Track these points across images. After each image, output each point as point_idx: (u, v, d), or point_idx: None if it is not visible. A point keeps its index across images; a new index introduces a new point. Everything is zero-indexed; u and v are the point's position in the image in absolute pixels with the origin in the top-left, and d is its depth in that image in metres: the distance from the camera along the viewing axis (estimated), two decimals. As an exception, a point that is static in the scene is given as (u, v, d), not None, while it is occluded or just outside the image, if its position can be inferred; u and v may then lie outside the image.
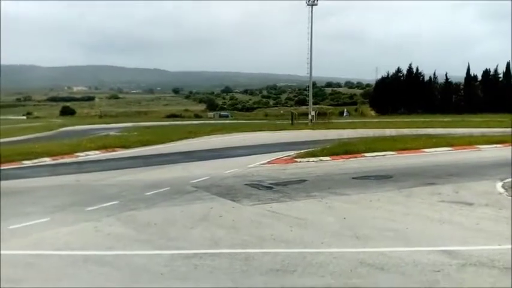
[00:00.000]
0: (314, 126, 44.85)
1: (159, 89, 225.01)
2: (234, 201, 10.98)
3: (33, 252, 7.43)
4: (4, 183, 14.95)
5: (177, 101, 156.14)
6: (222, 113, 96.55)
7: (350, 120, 58.01)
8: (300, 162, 17.91)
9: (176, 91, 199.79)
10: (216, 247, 7.42)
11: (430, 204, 10.23)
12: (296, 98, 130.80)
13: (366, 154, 19.01)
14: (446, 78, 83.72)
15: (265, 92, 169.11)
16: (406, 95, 77.21)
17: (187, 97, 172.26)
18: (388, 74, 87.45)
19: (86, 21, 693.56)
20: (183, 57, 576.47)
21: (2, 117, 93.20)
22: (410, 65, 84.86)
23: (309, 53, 53.62)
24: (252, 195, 11.64)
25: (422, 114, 63.63)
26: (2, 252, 7.41)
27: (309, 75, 55.52)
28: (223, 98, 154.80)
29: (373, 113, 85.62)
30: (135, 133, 36.46)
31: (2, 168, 18.31)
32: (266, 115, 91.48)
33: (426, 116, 58.75)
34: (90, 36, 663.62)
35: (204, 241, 7.79)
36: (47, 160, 20.59)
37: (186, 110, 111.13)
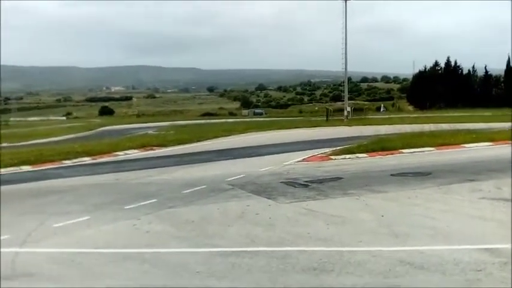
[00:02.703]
0: (350, 123, 44.36)
1: (194, 87, 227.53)
2: (270, 199, 10.98)
3: (74, 250, 7.65)
4: (46, 182, 15.48)
5: (212, 100, 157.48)
6: (256, 110, 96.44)
7: (387, 116, 57.20)
8: (336, 159, 17.75)
9: (211, 89, 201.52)
10: (253, 245, 7.45)
11: (471, 201, 9.96)
12: (331, 94, 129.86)
13: (404, 150, 18.65)
14: (486, 71, 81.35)
15: (299, 89, 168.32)
16: (444, 89, 75.40)
17: (221, 95, 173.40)
18: (425, 68, 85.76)
19: (123, 22, 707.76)
20: (218, 55, 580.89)
21: (43, 117, 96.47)
22: (448, 58, 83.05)
23: (344, 47, 53.14)
24: (287, 193, 11.62)
25: (462, 109, 61.98)
26: (46, 249, 7.68)
27: (344, 70, 55.02)
28: (257, 96, 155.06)
29: (410, 108, 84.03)
30: (172, 132, 37.00)
31: (43, 168, 18.93)
32: (300, 112, 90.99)
33: (466, 110, 57.26)
34: (128, 37, 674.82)
35: (241, 239, 7.84)
36: (87, 159, 21.12)
37: (221, 108, 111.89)
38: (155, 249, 7.50)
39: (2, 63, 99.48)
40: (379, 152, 18.43)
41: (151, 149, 24.93)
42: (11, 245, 7.98)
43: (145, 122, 59.74)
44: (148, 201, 11.06)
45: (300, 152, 20.19)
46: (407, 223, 8.40)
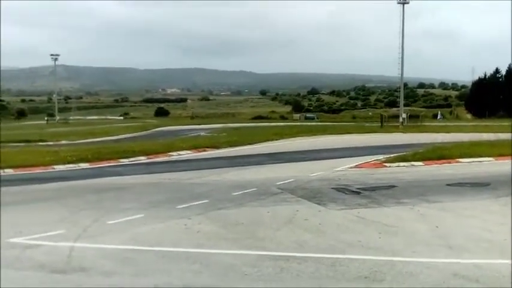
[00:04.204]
0: (405, 129, 43.30)
1: (246, 90, 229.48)
2: (320, 204, 10.90)
3: (128, 246, 7.86)
4: (103, 179, 16.01)
5: (264, 103, 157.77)
6: (308, 114, 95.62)
7: (444, 124, 55.43)
8: (390, 167, 17.39)
9: (263, 93, 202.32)
10: (302, 250, 7.42)
11: (532, 215, 9.52)
12: (386, 100, 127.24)
13: (462, 160, 18.06)
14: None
15: (352, 94, 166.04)
16: (505, 97, 72.27)
17: (273, 99, 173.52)
18: (485, 75, 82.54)
19: (179, 24, 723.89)
20: (271, 58, 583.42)
21: (101, 117, 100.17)
22: (510, 65, 79.52)
23: (401, 52, 52.05)
24: (338, 199, 11.50)
25: (524, 118, 59.27)
26: (100, 245, 7.93)
27: (400, 75, 53.86)
28: (310, 100, 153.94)
29: (469, 116, 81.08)
30: (224, 134, 37.36)
31: (101, 165, 19.59)
32: (354, 117, 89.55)
33: (528, 119, 54.68)
34: (183, 39, 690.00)
35: (290, 243, 7.82)
36: (143, 158, 21.69)
37: (273, 112, 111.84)
38: (205, 249, 7.61)
39: (60, 63, 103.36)
40: (436, 161, 17.90)
41: (204, 150, 25.31)
42: (67, 239, 8.28)
43: (199, 124, 60.67)
44: (199, 202, 11.24)
45: (353, 158, 19.92)
46: (463, 235, 8.13)
